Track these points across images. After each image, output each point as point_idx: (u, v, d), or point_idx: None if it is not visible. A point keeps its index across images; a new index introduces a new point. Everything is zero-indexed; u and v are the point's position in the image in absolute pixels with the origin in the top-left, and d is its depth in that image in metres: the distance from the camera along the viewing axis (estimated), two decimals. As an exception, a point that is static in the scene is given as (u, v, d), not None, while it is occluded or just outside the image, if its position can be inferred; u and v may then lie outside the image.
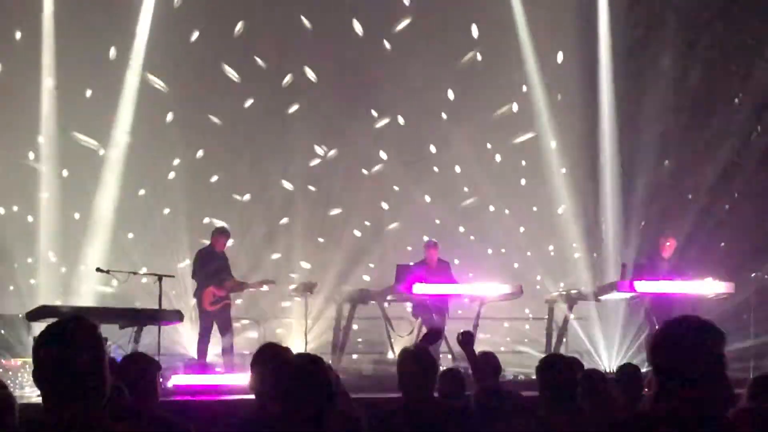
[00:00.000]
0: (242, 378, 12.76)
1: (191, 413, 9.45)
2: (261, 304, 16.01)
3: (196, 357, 13.99)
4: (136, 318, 12.39)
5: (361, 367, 14.85)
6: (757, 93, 17.03)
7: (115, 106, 16.77)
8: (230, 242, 14.97)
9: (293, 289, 15.09)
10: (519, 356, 15.43)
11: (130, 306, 13.78)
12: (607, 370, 13.59)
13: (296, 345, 14.97)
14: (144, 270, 14.34)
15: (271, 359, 5.23)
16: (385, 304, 14.71)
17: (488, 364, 8.43)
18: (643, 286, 14.37)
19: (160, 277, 12.84)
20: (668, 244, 14.90)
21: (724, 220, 16.78)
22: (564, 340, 14.98)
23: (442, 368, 7.82)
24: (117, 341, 12.07)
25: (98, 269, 13.74)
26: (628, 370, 7.69)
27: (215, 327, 14.13)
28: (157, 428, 4.61)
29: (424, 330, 14.26)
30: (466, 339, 7.51)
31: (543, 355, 8.30)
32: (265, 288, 15.03)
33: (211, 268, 14.15)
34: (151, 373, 5.34)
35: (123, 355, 11.75)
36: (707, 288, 14.42)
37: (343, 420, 4.81)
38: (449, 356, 13.89)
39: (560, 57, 18.51)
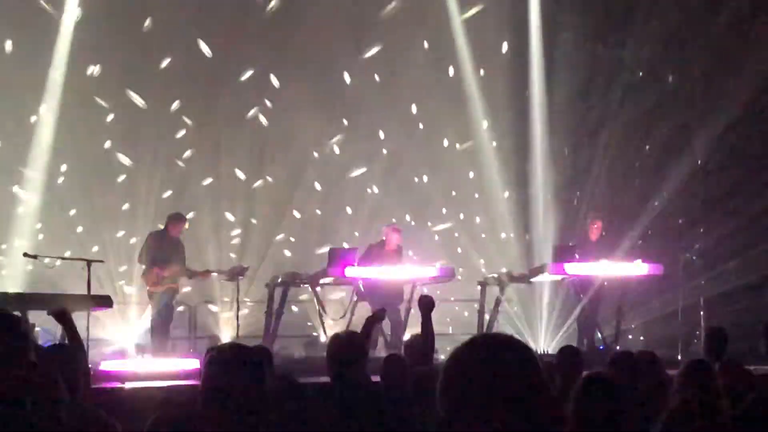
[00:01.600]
0: (173, 363, 12.71)
1: (120, 399, 9.36)
2: (192, 288, 15.84)
3: (148, 340, 13.88)
4: (64, 303, 12.18)
5: (292, 351, 14.78)
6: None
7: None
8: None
9: (224, 273, 14.97)
10: (451, 338, 15.44)
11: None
12: (539, 352, 13.68)
13: (227, 329, 14.91)
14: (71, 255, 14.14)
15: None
16: (318, 288, 14.65)
17: (419, 346, 8.43)
18: (573, 268, 14.48)
19: (88, 262, 12.61)
20: (595, 226, 15.02)
21: (657, 200, 16.84)
22: (495, 322, 15.01)
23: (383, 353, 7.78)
24: (45, 326, 11.89)
25: (26, 254, 13.48)
26: (568, 352, 7.76)
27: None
28: (80, 421, 4.51)
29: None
30: (427, 304, 7.33)
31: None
32: (215, 275, 14.84)
33: (159, 251, 14.04)
34: (78, 361, 5.20)
35: (51, 341, 11.64)
36: (636, 269, 14.55)
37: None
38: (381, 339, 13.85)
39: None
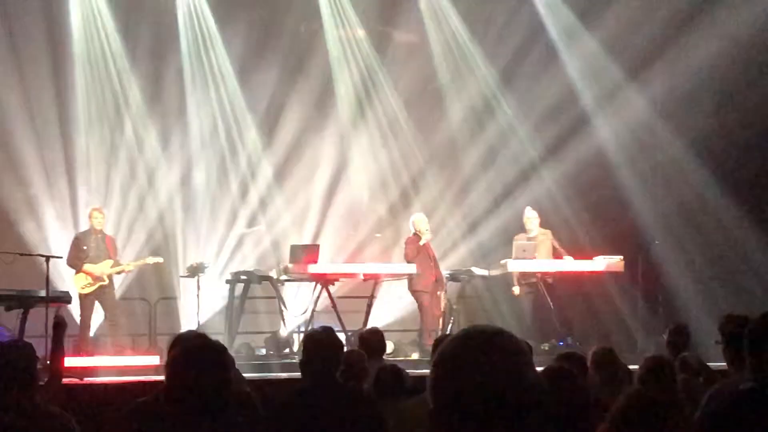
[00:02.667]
0: (129, 360, 12.68)
1: (77, 396, 9.30)
2: (151, 284, 15.71)
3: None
4: (23, 300, 12.07)
5: (253, 347, 14.73)
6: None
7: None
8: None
9: (185, 269, 14.90)
10: (405, 335, 15.41)
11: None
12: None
13: (188, 326, 14.82)
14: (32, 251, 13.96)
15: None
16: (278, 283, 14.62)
17: (375, 341, 8.45)
18: (531, 265, 14.47)
19: (47, 258, 12.51)
20: (530, 217, 14.97)
21: (615, 194, 16.69)
22: (453, 319, 15.00)
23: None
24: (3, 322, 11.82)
25: (-16, 250, 13.33)
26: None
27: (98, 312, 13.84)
28: (34, 417, 4.46)
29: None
30: None
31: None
32: (155, 260, 14.58)
33: (83, 250, 13.75)
34: (30, 360, 5.02)
35: (9, 336, 11.57)
36: (597, 265, 14.59)
37: (237, 398, 4.73)
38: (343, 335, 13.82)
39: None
